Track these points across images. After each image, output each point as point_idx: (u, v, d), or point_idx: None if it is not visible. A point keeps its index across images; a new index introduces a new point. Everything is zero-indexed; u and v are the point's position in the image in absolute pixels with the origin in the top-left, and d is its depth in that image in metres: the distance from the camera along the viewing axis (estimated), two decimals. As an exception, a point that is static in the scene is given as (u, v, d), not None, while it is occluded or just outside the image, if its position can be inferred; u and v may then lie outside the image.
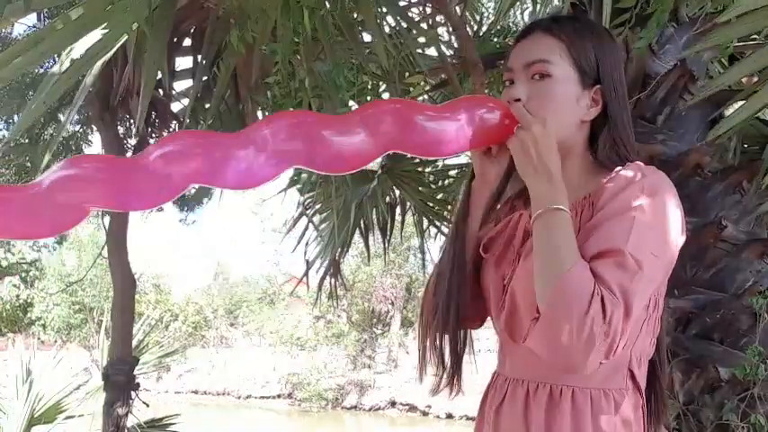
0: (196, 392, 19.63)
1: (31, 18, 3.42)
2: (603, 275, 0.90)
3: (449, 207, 4.26)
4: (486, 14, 4.14)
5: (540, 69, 1.03)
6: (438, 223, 4.21)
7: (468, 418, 15.64)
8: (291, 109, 3.16)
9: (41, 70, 3.57)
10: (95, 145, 4.34)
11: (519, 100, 1.04)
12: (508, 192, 1.18)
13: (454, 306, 1.10)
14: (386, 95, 3.70)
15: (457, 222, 1.15)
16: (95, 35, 1.96)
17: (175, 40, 3.27)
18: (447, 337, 1.13)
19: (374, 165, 4.18)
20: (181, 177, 0.93)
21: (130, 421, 3.96)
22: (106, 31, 1.96)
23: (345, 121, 1.00)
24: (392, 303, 18.45)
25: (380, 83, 3.31)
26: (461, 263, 1.11)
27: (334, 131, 0.98)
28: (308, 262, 4.28)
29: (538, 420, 0.99)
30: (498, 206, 1.18)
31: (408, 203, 4.16)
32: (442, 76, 3.41)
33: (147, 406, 4.15)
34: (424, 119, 1.00)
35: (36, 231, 0.92)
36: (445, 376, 1.14)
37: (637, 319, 0.95)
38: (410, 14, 3.23)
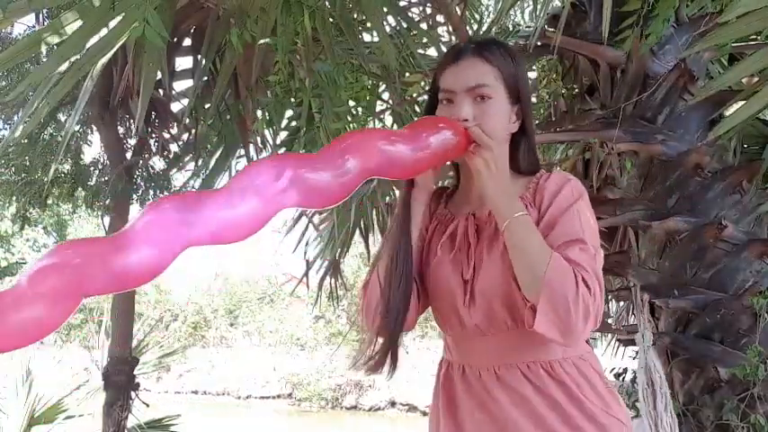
0: (196, 392, 19.63)
1: (31, 18, 3.42)
2: (576, 260, 1.09)
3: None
4: (486, 14, 4.14)
5: (483, 92, 1.19)
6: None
7: (467, 418, 15.63)
8: (291, 110, 3.17)
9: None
10: (95, 145, 4.34)
11: (466, 120, 1.18)
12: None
13: (402, 313, 1.22)
14: (386, 95, 3.71)
15: (399, 230, 1.25)
16: (97, 36, 1.96)
17: (175, 40, 3.27)
18: (390, 339, 1.24)
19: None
20: (177, 243, 0.91)
21: (130, 421, 3.97)
22: (107, 31, 1.96)
23: (326, 156, 1.04)
24: (392, 303, 18.44)
25: (380, 83, 3.31)
26: (407, 271, 1.22)
27: (318, 169, 1.02)
28: (308, 262, 4.28)
29: (535, 396, 1.14)
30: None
31: (408, 203, 4.16)
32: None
33: (148, 406, 4.15)
34: (387, 144, 1.09)
35: (31, 335, 0.83)
36: (387, 360, 1.25)
37: None
38: (410, 14, 3.23)
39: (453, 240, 1.24)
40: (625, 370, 5.01)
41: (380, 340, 1.25)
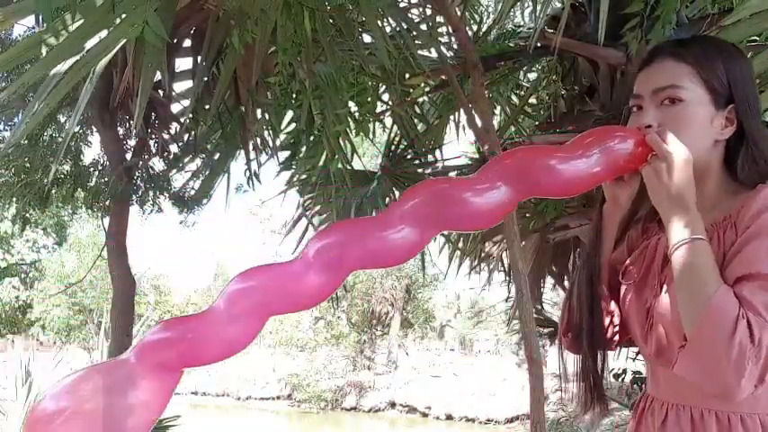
0: (196, 393, 19.62)
1: (31, 19, 3.42)
2: (748, 298, 0.90)
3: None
4: (486, 15, 4.14)
5: (670, 95, 1.03)
6: (438, 224, 4.20)
7: (467, 420, 15.64)
8: (291, 111, 3.17)
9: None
10: (95, 146, 4.34)
11: (649, 126, 1.04)
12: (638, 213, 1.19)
13: (588, 329, 1.12)
14: (385, 96, 3.71)
15: (589, 246, 1.16)
16: (97, 37, 1.96)
17: (175, 41, 3.27)
18: (585, 359, 1.14)
19: (373, 166, 4.18)
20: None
21: (130, 422, 3.96)
22: (107, 32, 1.96)
23: (483, 177, 1.03)
24: (392, 304, 18.46)
25: (380, 84, 3.31)
26: (595, 288, 1.13)
27: (473, 191, 1.03)
28: (307, 263, 4.27)
29: None
30: (630, 228, 1.20)
31: (408, 204, 4.16)
32: (443, 77, 3.41)
33: (147, 407, 4.14)
34: (557, 162, 1.02)
35: (148, 415, 0.93)
36: (588, 396, 1.15)
37: None
38: (410, 16, 3.23)
39: (642, 262, 1.11)
40: (624, 371, 5.01)
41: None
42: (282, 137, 3.55)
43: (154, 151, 3.94)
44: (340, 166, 3.13)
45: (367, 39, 3.08)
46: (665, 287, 1.04)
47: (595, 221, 1.16)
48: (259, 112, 3.40)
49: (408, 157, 3.97)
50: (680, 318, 0.96)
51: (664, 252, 1.06)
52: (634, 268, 1.12)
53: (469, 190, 1.02)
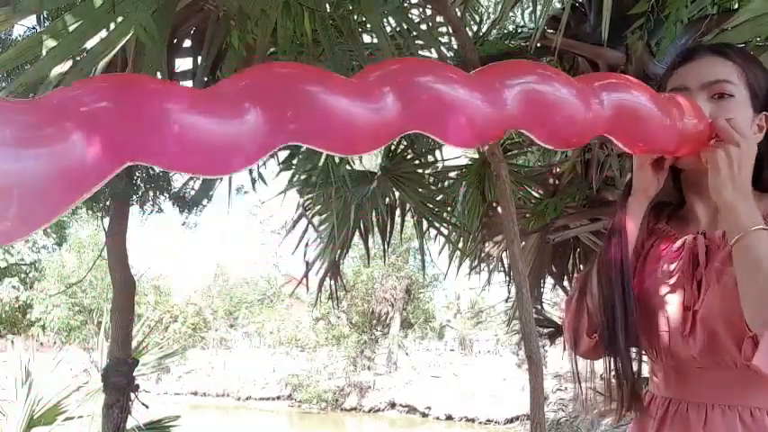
0: (196, 394, 19.65)
1: (31, 19, 3.42)
2: None
3: (448, 208, 4.26)
4: (486, 15, 4.14)
5: (723, 89, 1.03)
6: (437, 224, 4.21)
7: (467, 420, 15.65)
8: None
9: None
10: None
11: None
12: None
13: (622, 326, 1.07)
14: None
15: (612, 239, 1.12)
16: (97, 37, 1.97)
17: (175, 41, 3.28)
18: (619, 360, 1.09)
19: (373, 166, 4.18)
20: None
21: (130, 423, 3.96)
22: (107, 32, 1.97)
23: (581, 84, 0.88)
24: (392, 305, 18.47)
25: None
26: (627, 285, 1.08)
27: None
28: (307, 263, 4.28)
29: None
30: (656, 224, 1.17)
31: (408, 205, 4.17)
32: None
33: (147, 407, 4.14)
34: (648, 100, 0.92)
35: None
36: (626, 400, 1.09)
37: None
38: (410, 16, 3.23)
39: (676, 261, 1.08)
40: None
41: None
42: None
43: (154, 151, 3.94)
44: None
45: (367, 39, 3.08)
46: (711, 289, 1.02)
47: (620, 214, 1.12)
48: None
49: (408, 157, 3.97)
50: (737, 319, 0.94)
51: (697, 253, 1.05)
52: (666, 268, 1.09)
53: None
